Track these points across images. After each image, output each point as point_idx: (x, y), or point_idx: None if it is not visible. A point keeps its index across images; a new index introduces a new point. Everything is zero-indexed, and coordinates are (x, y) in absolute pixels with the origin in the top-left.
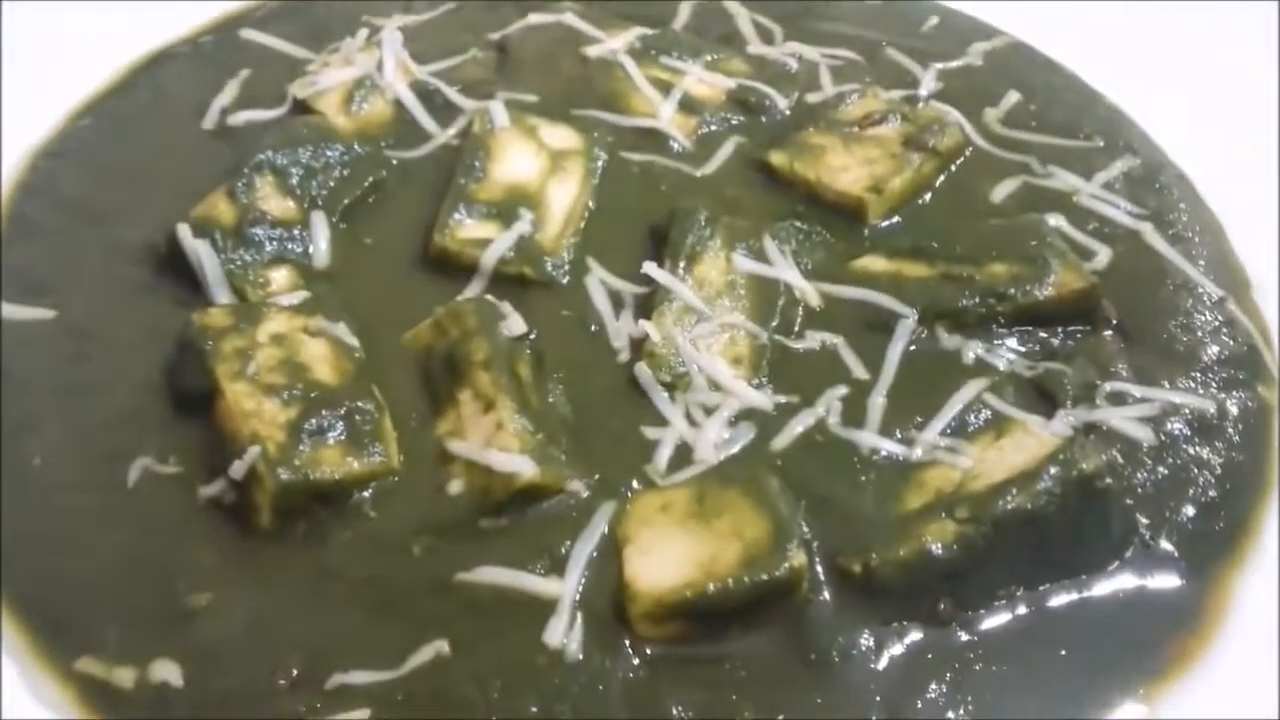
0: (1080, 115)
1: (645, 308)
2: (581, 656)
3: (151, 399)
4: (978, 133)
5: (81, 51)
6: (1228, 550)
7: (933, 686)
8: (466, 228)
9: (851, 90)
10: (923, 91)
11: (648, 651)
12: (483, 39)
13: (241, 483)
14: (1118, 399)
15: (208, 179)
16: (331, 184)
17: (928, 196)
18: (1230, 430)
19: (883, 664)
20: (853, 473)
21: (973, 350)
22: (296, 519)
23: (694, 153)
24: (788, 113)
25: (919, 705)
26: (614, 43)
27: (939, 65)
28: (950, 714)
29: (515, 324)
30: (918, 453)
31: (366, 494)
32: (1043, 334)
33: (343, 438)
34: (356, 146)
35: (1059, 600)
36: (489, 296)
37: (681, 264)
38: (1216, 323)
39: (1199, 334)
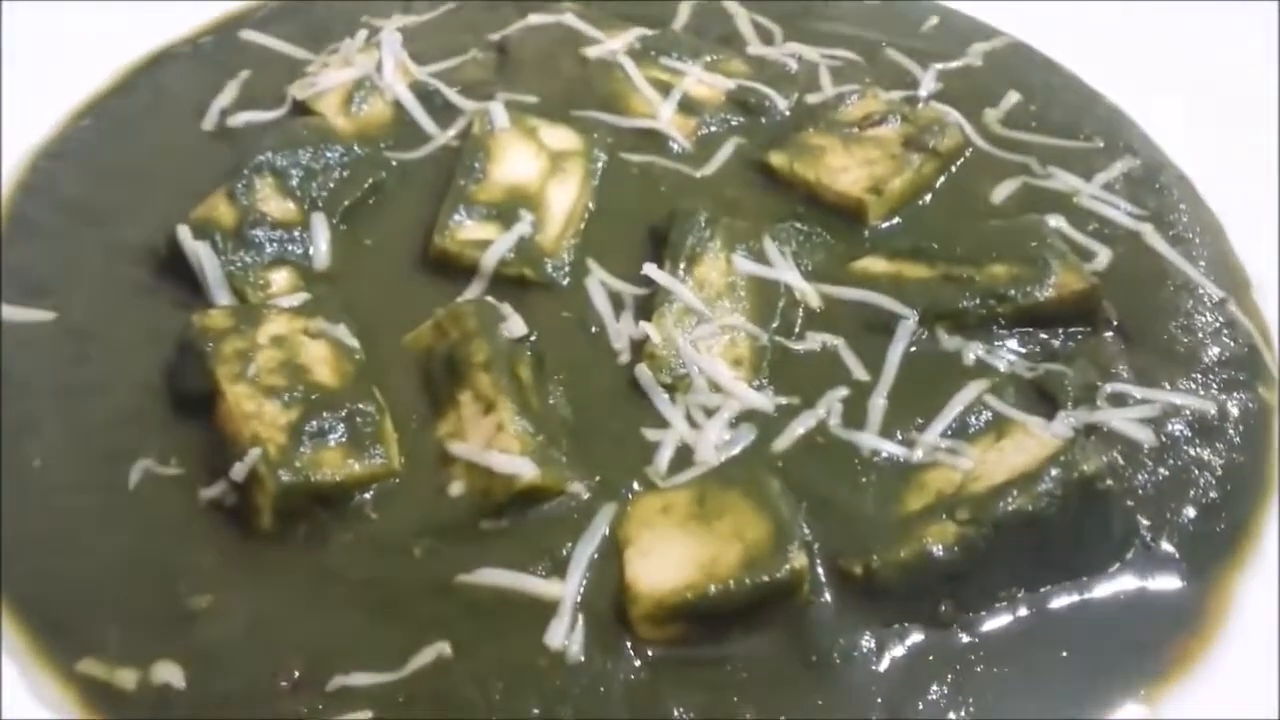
0: (1080, 116)
1: (645, 309)
2: (583, 658)
3: (152, 401)
4: (978, 133)
5: (81, 52)
6: (1229, 551)
7: (934, 688)
8: (466, 229)
9: (851, 91)
10: (922, 92)
11: (649, 653)
12: (482, 40)
13: (242, 485)
14: (1118, 400)
15: (208, 180)
16: (331, 185)
17: (928, 197)
18: (1231, 431)
19: (884, 665)
20: (853, 474)
21: (973, 351)
22: (297, 521)
23: (694, 154)
24: (787, 113)
25: (920, 707)
26: (614, 43)
27: (939, 66)
28: (951, 715)
29: (515, 325)
30: (918, 454)
31: (367, 496)
32: (1043, 335)
33: (344, 439)
34: (356, 148)
35: (1060, 602)
36: (489, 298)
37: (682, 265)
38: (1217, 324)
39: (1199, 335)
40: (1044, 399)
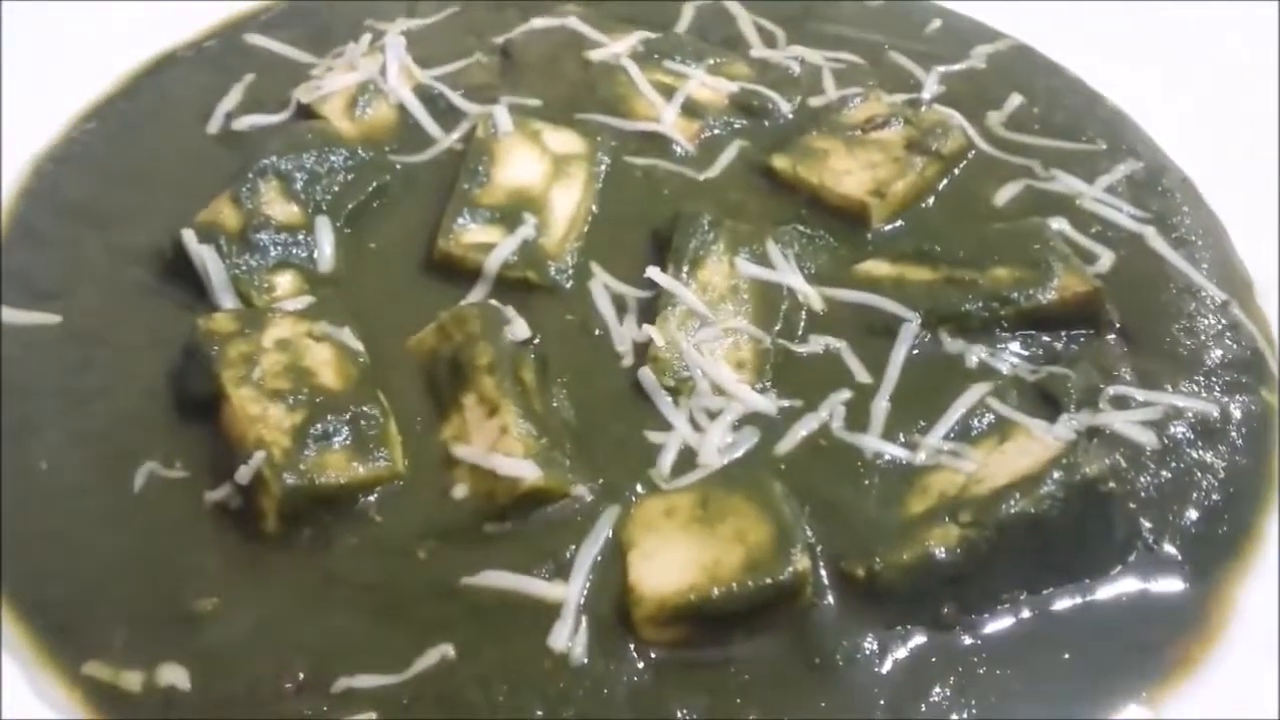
0: (1083, 118)
1: (649, 312)
2: (586, 660)
3: (157, 404)
4: (980, 136)
5: (85, 55)
6: (1231, 554)
7: (936, 690)
8: (470, 232)
9: (854, 94)
10: (925, 95)
11: (652, 655)
12: (486, 43)
13: (247, 487)
14: (1121, 403)
15: (212, 184)
16: (336, 189)
17: (931, 200)
18: (1233, 434)
19: (886, 668)
20: (856, 477)
21: (976, 354)
22: (302, 523)
23: (697, 157)
24: (790, 116)
25: (923, 709)
26: (617, 46)
27: (942, 68)
28: (954, 717)
29: (519, 329)
30: (921, 457)
31: (371, 499)
32: (1046, 338)
33: (348, 442)
34: (360, 151)
35: (1062, 604)
36: (493, 301)
37: (685, 268)
38: (1220, 326)
39: (1202, 337)
40: (1046, 402)
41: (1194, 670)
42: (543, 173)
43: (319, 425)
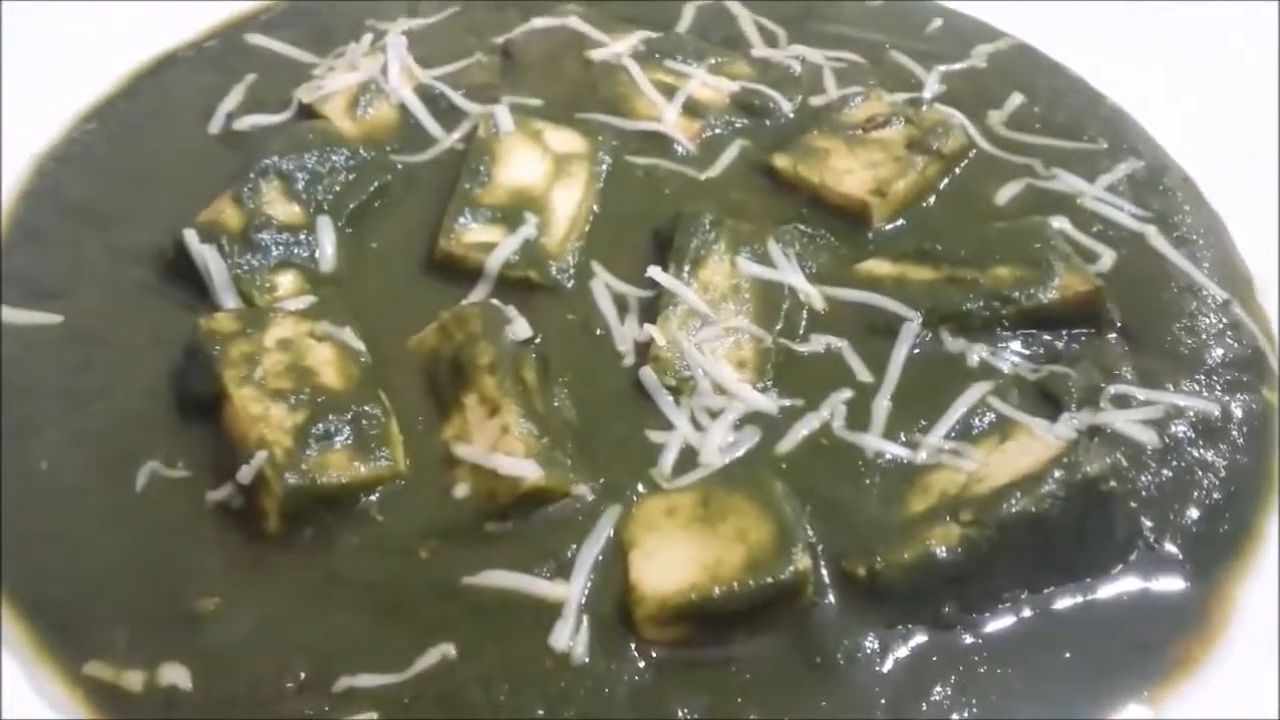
0: (1084, 117)
1: (650, 312)
2: (587, 660)
3: (158, 404)
4: (981, 135)
5: (86, 56)
6: (1232, 553)
7: (937, 689)
8: (471, 232)
9: (855, 93)
10: (926, 94)
11: (653, 655)
12: (487, 42)
13: (249, 487)
14: (1122, 402)
15: (214, 184)
16: (337, 189)
17: (932, 199)
18: (1234, 433)
19: (887, 667)
20: (857, 476)
21: (977, 353)
22: (304, 523)
23: (698, 156)
24: (792, 116)
25: (924, 708)
26: (618, 46)
27: (943, 67)
28: (955, 716)
29: (520, 328)
30: (922, 456)
31: (373, 498)
32: (1047, 337)
33: (349, 442)
34: (362, 151)
35: (1063, 603)
36: (494, 301)
37: (686, 268)
38: (1221, 325)
39: (1203, 337)
40: (1048, 401)
41: (1195, 669)
42: (544, 172)
43: (321, 425)
